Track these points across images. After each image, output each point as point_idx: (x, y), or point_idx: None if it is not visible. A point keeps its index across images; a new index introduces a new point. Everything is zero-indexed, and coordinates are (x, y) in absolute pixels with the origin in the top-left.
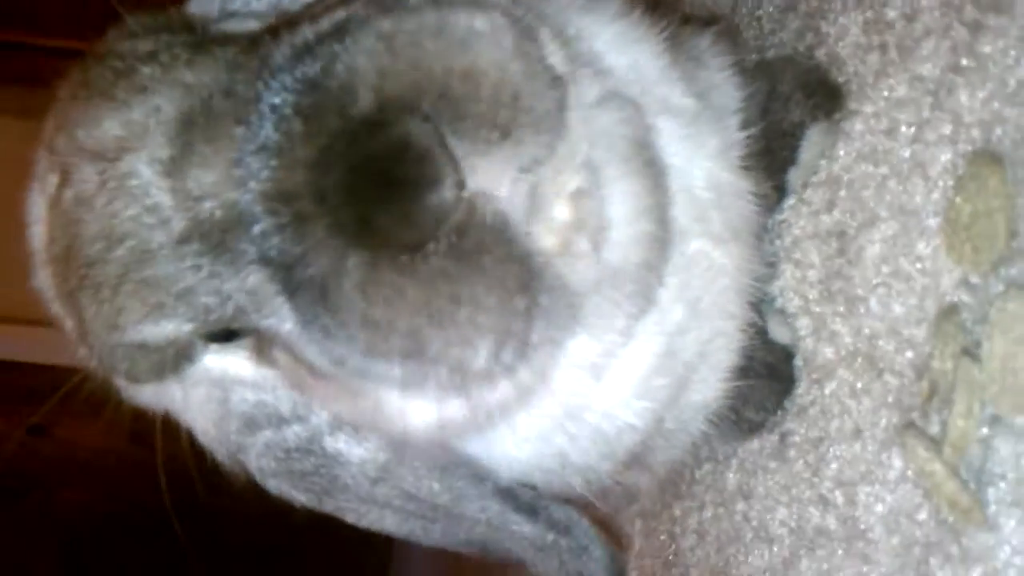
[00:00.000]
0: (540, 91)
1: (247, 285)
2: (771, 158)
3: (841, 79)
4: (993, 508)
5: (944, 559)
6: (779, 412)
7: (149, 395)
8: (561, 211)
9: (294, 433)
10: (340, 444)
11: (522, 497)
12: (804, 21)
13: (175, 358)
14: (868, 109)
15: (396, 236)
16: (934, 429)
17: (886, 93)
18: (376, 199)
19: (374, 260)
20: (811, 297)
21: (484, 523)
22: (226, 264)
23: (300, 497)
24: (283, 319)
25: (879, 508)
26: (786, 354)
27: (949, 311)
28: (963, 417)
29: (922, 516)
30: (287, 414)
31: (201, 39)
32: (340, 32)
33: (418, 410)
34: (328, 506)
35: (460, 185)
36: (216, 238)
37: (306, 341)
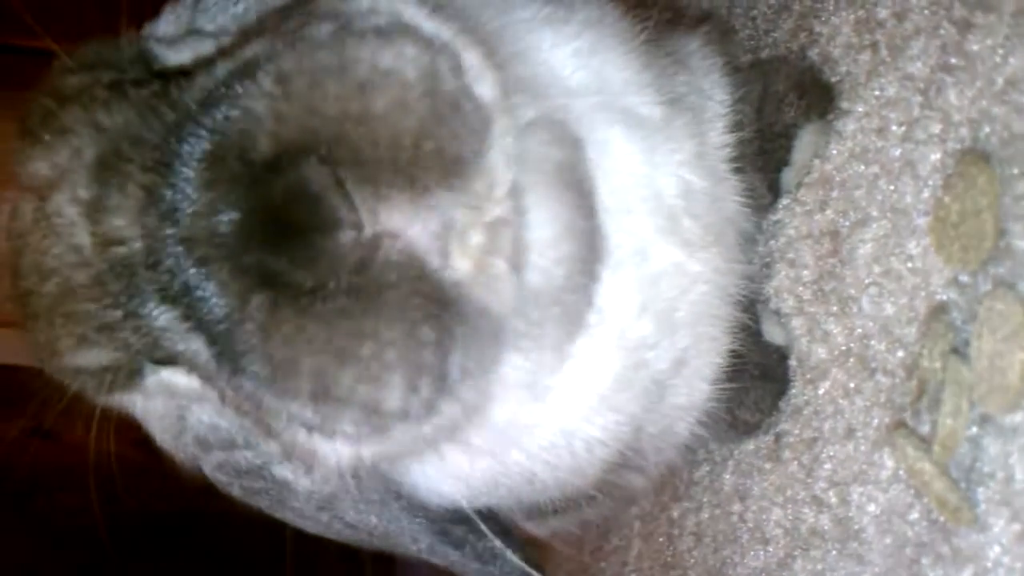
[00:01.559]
0: (451, 133)
1: (159, 323)
2: (765, 159)
3: (834, 79)
4: (983, 507)
5: (935, 559)
6: (774, 413)
7: (115, 401)
8: (477, 239)
9: (245, 458)
10: (288, 473)
11: (451, 532)
12: (797, 21)
13: (116, 379)
14: (860, 108)
15: (293, 279)
16: (924, 428)
17: (877, 92)
18: (272, 244)
19: (275, 302)
20: (805, 297)
21: (417, 550)
22: (138, 305)
23: (253, 504)
24: (199, 353)
25: (872, 508)
26: (780, 355)
27: (938, 310)
28: (952, 416)
29: (914, 516)
30: (239, 440)
31: (122, 79)
32: (243, 74)
33: (331, 450)
34: (278, 515)
35: (356, 226)
36: (127, 280)
37: (218, 373)
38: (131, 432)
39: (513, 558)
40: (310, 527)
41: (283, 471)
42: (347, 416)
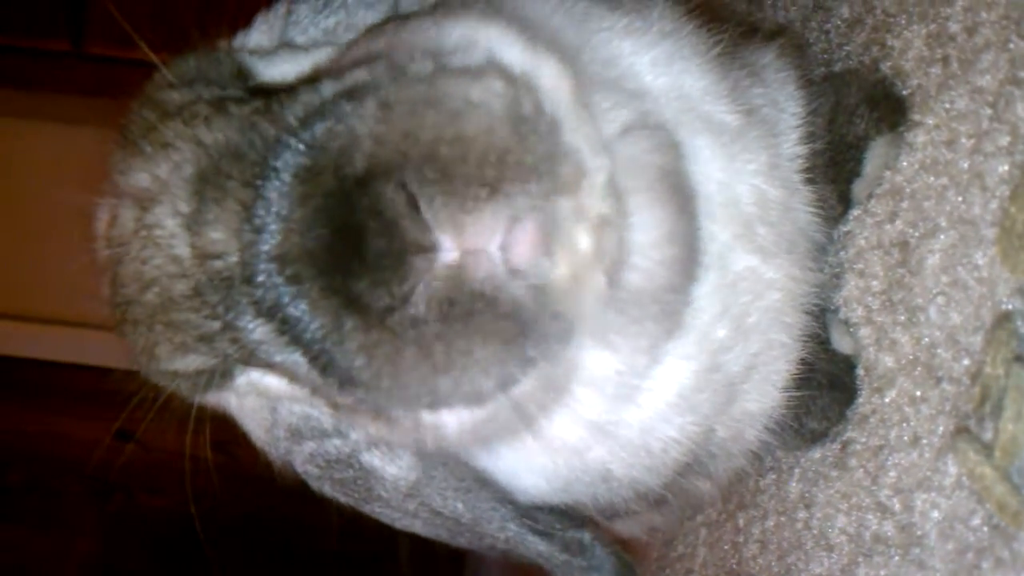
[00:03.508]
0: (528, 146)
1: (255, 336)
2: (836, 170)
3: (905, 92)
4: None
5: (996, 563)
6: (841, 421)
7: (209, 400)
8: (583, 239)
9: (335, 446)
10: (376, 461)
11: (540, 520)
12: (870, 35)
13: (209, 381)
14: (930, 121)
15: (369, 300)
16: (987, 435)
17: (947, 105)
18: (352, 265)
19: (366, 324)
20: (873, 307)
21: (503, 540)
22: (235, 317)
23: (341, 499)
24: (298, 363)
25: (935, 514)
26: (848, 364)
27: (1003, 318)
28: (1013, 421)
29: (975, 521)
30: (329, 428)
31: (223, 96)
32: (349, 96)
33: (449, 419)
34: (365, 509)
35: (435, 247)
36: (225, 293)
37: (325, 384)
38: (211, 435)
39: (604, 550)
40: (397, 520)
41: (371, 459)
42: (451, 399)
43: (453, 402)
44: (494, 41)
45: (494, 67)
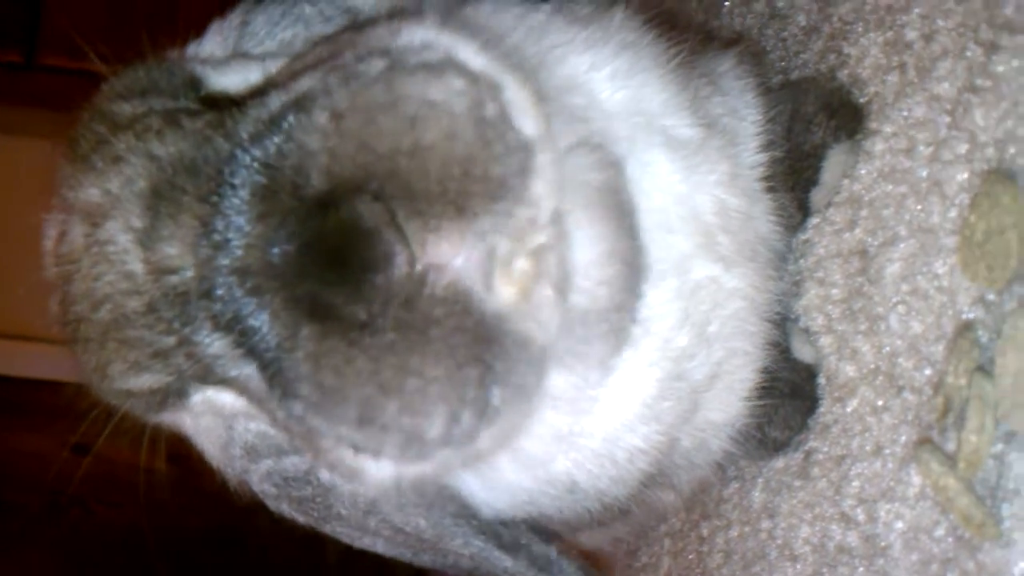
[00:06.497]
0: (496, 160)
1: (212, 350)
2: (794, 178)
3: (862, 99)
4: (1007, 523)
5: (961, 574)
6: (803, 431)
7: (164, 419)
8: (522, 265)
9: (292, 464)
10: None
11: (504, 535)
12: (827, 42)
13: (164, 400)
14: (888, 129)
15: (344, 312)
16: (950, 446)
17: (905, 113)
18: (326, 277)
19: (325, 333)
20: (834, 316)
21: (468, 556)
22: (191, 332)
23: (300, 519)
24: (249, 377)
25: (899, 525)
26: (809, 373)
27: (964, 328)
28: (976, 432)
29: (940, 532)
30: (286, 446)
31: (176, 108)
32: (297, 108)
33: (375, 468)
34: (325, 529)
35: (409, 262)
36: (180, 308)
37: (269, 397)
38: (167, 447)
39: (570, 564)
40: (357, 539)
41: (329, 476)
42: (391, 441)
43: (388, 448)
44: (453, 42)
45: (453, 64)
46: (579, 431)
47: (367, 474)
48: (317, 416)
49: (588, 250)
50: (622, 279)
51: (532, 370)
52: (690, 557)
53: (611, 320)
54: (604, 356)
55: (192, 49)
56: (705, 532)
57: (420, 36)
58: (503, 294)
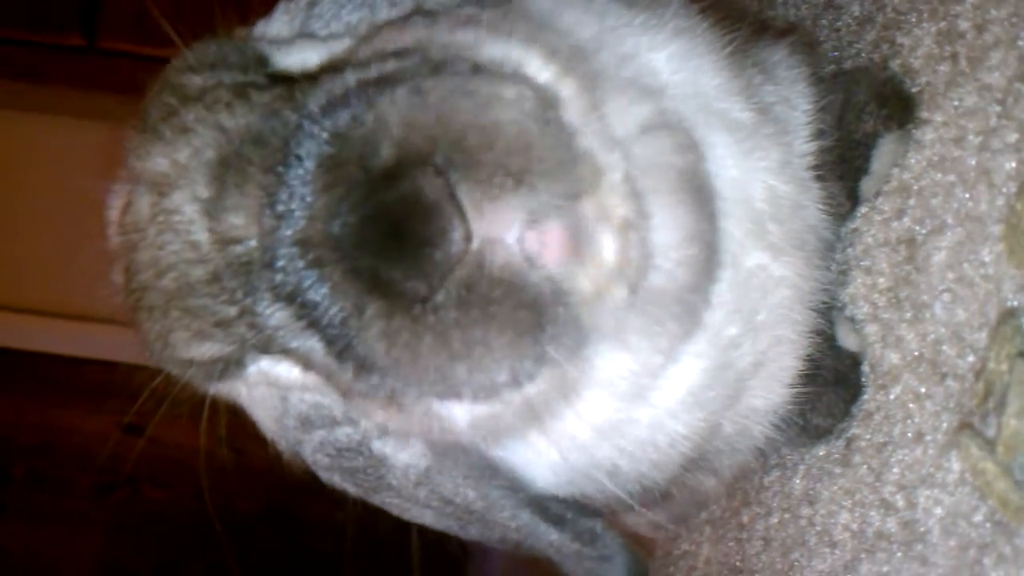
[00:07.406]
0: (553, 144)
1: (273, 321)
2: (845, 167)
3: (914, 89)
4: None
5: (998, 559)
6: (846, 418)
7: (221, 390)
8: (608, 245)
9: (345, 434)
10: (387, 448)
11: (551, 508)
12: (880, 32)
13: (224, 369)
14: (939, 118)
15: (405, 287)
16: (990, 431)
17: (956, 103)
18: (387, 251)
19: (390, 311)
20: (879, 304)
21: (515, 529)
22: (253, 302)
23: (351, 489)
24: (313, 349)
25: (938, 511)
26: (854, 361)
27: (1008, 315)
28: (1016, 417)
29: (978, 518)
30: (339, 417)
31: (245, 82)
32: (379, 84)
33: (459, 411)
34: (375, 500)
35: (466, 238)
36: (243, 278)
37: (340, 370)
38: (219, 430)
39: (615, 540)
40: (407, 510)
41: (382, 446)
42: (465, 390)
43: (466, 393)
44: (524, 58)
45: (522, 77)
46: (627, 418)
47: (450, 419)
48: (395, 384)
49: (670, 232)
50: (701, 261)
51: (582, 332)
52: (730, 544)
53: (686, 302)
54: (673, 340)
55: (259, 29)
56: (745, 519)
57: (499, 49)
58: (580, 283)
